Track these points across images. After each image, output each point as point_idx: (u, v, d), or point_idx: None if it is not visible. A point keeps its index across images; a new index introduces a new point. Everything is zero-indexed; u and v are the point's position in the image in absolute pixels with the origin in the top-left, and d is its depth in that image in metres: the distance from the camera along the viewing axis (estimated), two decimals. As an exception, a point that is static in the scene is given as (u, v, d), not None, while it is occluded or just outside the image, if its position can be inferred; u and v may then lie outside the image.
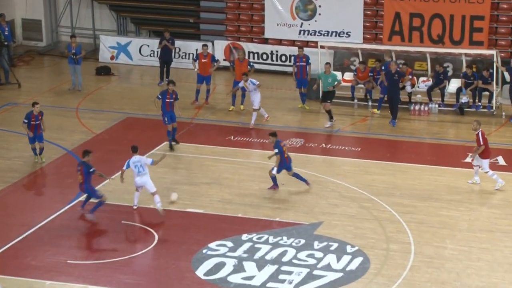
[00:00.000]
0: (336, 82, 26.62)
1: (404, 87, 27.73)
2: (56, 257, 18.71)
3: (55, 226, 20.21)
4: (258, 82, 26.53)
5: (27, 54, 33.59)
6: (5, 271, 17.96)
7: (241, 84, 26.67)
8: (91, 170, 20.12)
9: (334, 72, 27.11)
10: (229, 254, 19.00)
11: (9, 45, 30.88)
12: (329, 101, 26.59)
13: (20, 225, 20.15)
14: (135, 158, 20.58)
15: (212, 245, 19.36)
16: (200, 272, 18.29)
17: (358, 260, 18.72)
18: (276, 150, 21.63)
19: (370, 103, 28.11)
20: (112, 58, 32.90)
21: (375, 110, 27.68)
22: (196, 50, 30.99)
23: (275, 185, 22.05)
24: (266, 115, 26.90)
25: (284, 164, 21.80)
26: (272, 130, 23.08)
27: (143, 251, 19.19)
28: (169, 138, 24.55)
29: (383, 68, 27.55)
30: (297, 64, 28.22)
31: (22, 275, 17.98)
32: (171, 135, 24.54)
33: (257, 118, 26.59)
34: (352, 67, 29.66)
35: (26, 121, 23.22)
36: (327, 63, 26.97)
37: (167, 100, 24.28)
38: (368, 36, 31.16)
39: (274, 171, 21.74)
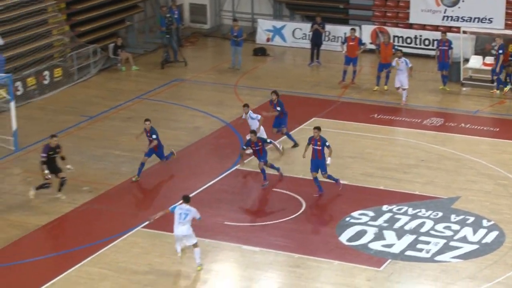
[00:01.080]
0: None
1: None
2: (215, 219, 19.05)
3: (214, 190, 20.57)
4: (411, 65, 25.97)
5: (193, 35, 34.20)
6: (167, 228, 18.42)
7: (393, 63, 26.01)
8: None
9: None
10: (370, 223, 18.78)
11: (178, 27, 31.54)
12: None
13: (183, 189, 20.54)
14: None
15: (355, 214, 19.19)
16: (343, 238, 18.18)
17: (493, 234, 18.09)
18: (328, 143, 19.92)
19: (510, 86, 26.98)
20: (268, 40, 33.05)
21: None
22: (345, 33, 30.64)
23: (338, 183, 20.18)
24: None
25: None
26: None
27: (292, 216, 19.24)
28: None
29: (500, 51, 26.39)
30: (440, 48, 27.42)
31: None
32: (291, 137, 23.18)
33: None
34: (493, 52, 28.52)
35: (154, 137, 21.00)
36: None
37: (273, 108, 23.02)
38: (510, 22, 29.86)
39: (329, 161, 19.90)
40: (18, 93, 25.88)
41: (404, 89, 26.07)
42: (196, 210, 16.73)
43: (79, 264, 17.14)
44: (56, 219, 19.17)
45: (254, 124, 22.08)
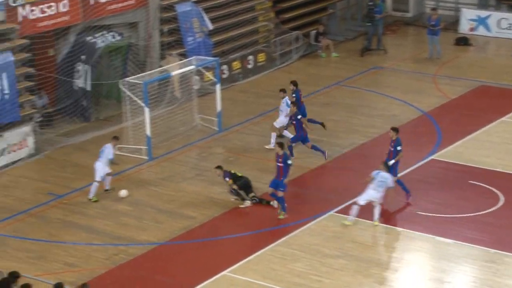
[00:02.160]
0: None
1: None
2: (408, 208, 18.42)
3: (409, 179, 19.72)
4: None
5: (394, 23, 33.39)
6: (358, 215, 18.03)
7: None
8: None
9: None
10: None
11: (383, 16, 30.82)
12: None
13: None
14: None
15: (556, 212, 17.82)
16: (543, 236, 16.93)
17: None
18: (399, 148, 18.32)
19: None
20: (471, 29, 31.60)
21: None
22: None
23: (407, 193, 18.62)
24: None
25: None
26: None
27: (488, 210, 18.19)
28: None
29: None
30: None
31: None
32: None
33: None
34: None
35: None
36: None
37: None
38: None
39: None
40: (224, 76, 26.44)
41: None
42: (392, 179, 17.50)
43: (273, 244, 17.15)
44: (253, 198, 19.31)
45: (285, 110, 21.59)
